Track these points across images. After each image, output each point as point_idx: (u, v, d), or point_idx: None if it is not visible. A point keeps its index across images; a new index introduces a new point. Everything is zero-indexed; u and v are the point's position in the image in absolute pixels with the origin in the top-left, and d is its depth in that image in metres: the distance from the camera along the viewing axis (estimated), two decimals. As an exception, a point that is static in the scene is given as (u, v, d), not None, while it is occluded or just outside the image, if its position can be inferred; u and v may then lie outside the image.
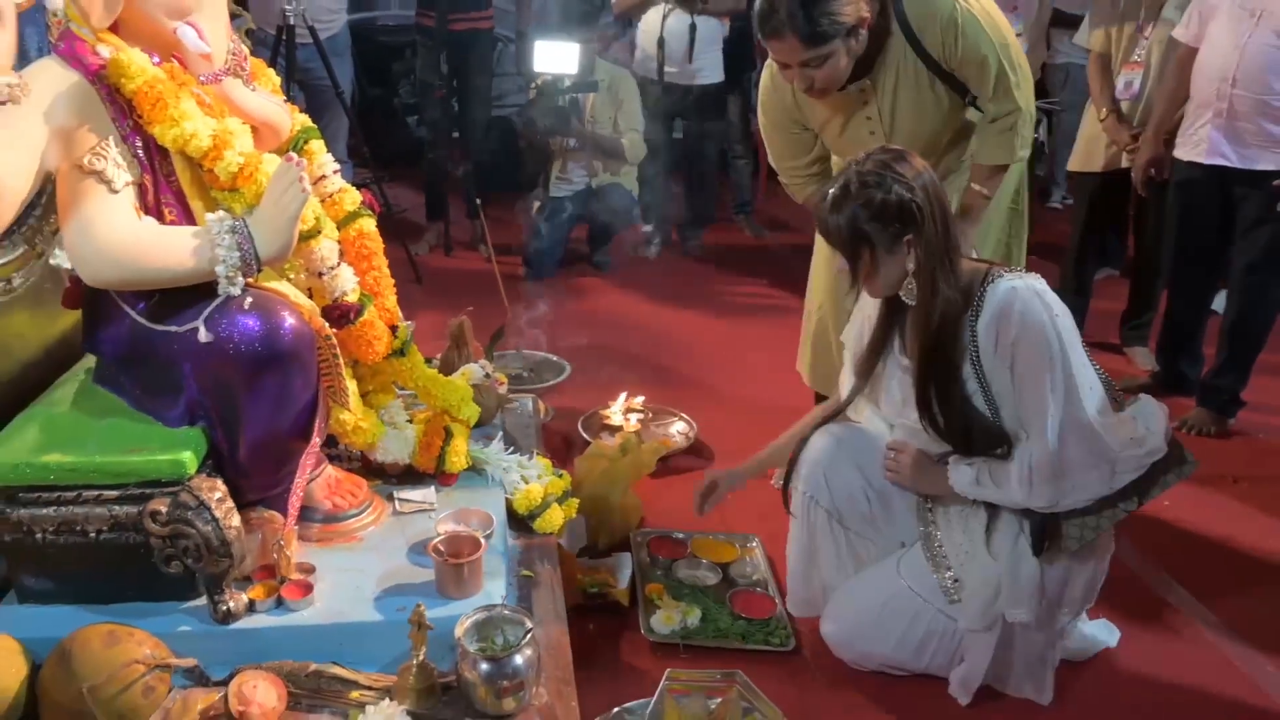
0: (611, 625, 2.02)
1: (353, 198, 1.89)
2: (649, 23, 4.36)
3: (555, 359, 3.19)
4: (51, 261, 1.77)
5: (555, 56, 3.87)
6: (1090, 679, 1.94)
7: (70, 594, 1.51)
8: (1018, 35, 3.31)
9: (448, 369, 2.23)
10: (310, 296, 1.69)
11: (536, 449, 2.14)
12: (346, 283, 1.72)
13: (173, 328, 1.52)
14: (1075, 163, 3.49)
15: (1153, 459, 1.68)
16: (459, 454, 1.91)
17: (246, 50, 1.76)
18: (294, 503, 1.63)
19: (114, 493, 1.46)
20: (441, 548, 1.59)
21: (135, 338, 1.56)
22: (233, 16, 2.28)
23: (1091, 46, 3.33)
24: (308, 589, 1.55)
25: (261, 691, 1.40)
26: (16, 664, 1.38)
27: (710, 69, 4.45)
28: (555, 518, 1.92)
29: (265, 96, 1.76)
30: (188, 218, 1.56)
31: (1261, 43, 2.67)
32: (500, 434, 2.09)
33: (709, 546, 2.28)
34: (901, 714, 1.84)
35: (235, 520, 1.47)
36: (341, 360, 1.69)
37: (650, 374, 3.27)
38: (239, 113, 1.65)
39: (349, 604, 1.56)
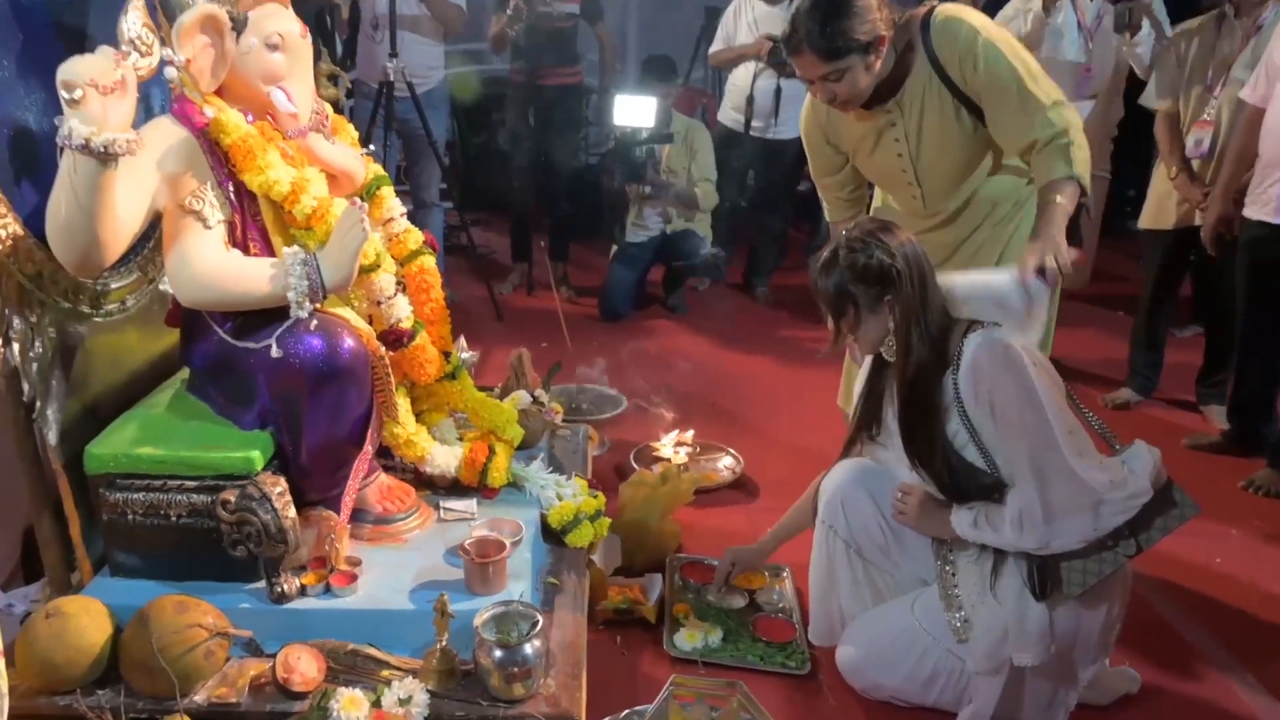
0: (637, 639, 2.15)
1: (415, 237, 2.12)
2: (739, 79, 4.57)
3: (614, 393, 3.37)
4: (160, 287, 2.06)
5: (634, 110, 4.12)
6: (1103, 721, 1.98)
7: (152, 570, 1.75)
8: (1091, 97, 3.41)
9: (506, 396, 2.43)
10: (370, 322, 1.92)
11: (579, 473, 2.31)
12: (401, 311, 1.94)
13: (251, 344, 1.76)
14: (1147, 220, 3.49)
15: (1138, 501, 1.73)
16: (500, 470, 2.10)
17: (329, 109, 2.02)
18: (346, 503, 1.85)
19: (193, 483, 1.71)
20: (470, 548, 1.77)
21: (221, 352, 1.81)
22: (333, 77, 2.59)
23: (1159, 107, 3.35)
24: (353, 579, 1.76)
25: (304, 663, 1.61)
26: (104, 625, 1.62)
27: (789, 126, 4.63)
28: (586, 533, 2.09)
29: (343, 149, 2.01)
30: (269, 251, 1.81)
31: None
32: (542, 455, 2.28)
33: (742, 575, 2.38)
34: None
35: (292, 512, 1.68)
36: (393, 379, 1.90)
37: (706, 411, 3.41)
38: (319, 163, 1.90)
39: (387, 594, 1.76)
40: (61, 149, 1.50)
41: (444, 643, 1.63)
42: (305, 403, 1.74)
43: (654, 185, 4.38)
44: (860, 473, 2.04)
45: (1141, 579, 2.46)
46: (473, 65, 6.33)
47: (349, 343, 1.75)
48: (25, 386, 1.67)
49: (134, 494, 1.71)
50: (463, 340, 2.47)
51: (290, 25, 1.81)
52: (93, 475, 1.73)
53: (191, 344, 1.87)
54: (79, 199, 1.53)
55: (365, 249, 1.79)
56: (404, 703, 1.55)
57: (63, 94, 1.46)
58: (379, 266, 1.91)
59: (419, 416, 2.10)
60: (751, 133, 4.52)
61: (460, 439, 2.15)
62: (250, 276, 1.73)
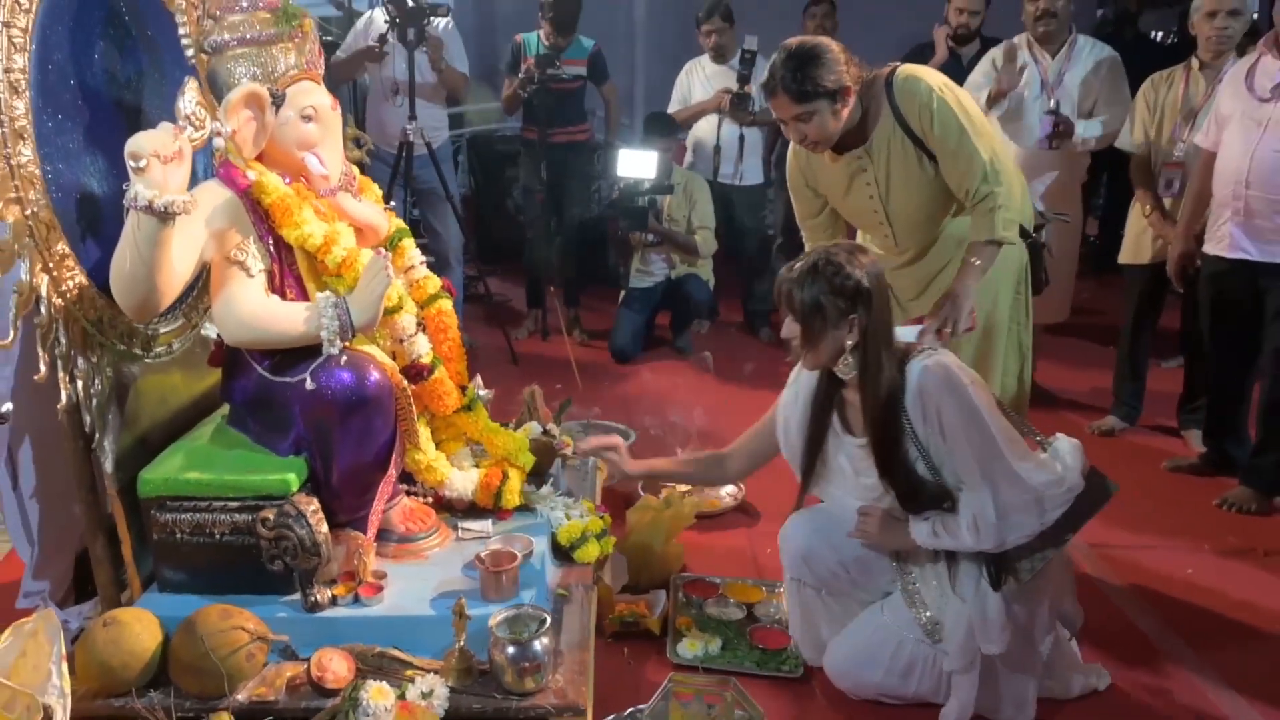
0: (642, 649, 2.30)
1: (434, 283, 2.33)
2: (701, 132, 4.89)
3: (623, 428, 3.54)
4: (202, 332, 2.28)
5: (635, 163, 4.36)
6: (1074, 714, 2.11)
7: (197, 585, 1.93)
8: (1056, 147, 3.60)
9: (519, 429, 2.62)
10: (393, 358, 2.12)
11: (586, 498, 2.49)
12: (422, 348, 2.15)
13: (288, 379, 1.96)
14: (1125, 255, 3.68)
15: (1074, 493, 1.92)
16: (513, 493, 2.28)
17: (356, 171, 2.25)
18: (373, 522, 2.04)
19: (235, 504, 1.90)
20: (485, 559, 1.95)
21: (259, 387, 2.01)
22: (357, 140, 2.84)
23: (1133, 149, 3.55)
24: (379, 590, 1.94)
25: (336, 663, 1.78)
26: (154, 633, 1.80)
27: (753, 171, 4.95)
28: (592, 550, 2.26)
29: (368, 206, 2.22)
30: (304, 296, 2.02)
31: (1269, 150, 2.88)
32: (552, 481, 2.46)
33: (739, 589, 2.55)
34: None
35: (324, 528, 1.87)
36: (414, 409, 2.10)
37: (711, 443, 3.54)
38: (348, 218, 2.12)
39: (410, 603, 1.93)
40: (127, 209, 1.72)
41: (462, 643, 1.80)
42: (336, 430, 1.94)
43: (656, 233, 4.61)
44: (813, 525, 2.18)
45: (1115, 589, 2.64)
46: (487, 124, 6.65)
47: (375, 376, 1.95)
48: (86, 419, 1.87)
49: (182, 514, 1.91)
50: (479, 379, 2.66)
51: (322, 99, 2.04)
52: (145, 498, 1.92)
53: (232, 381, 2.08)
54: (141, 252, 1.75)
55: (389, 293, 2.00)
56: (426, 696, 1.72)
57: (130, 163, 1.68)
58: (401, 308, 2.11)
59: (438, 445, 2.28)
60: (720, 179, 4.80)
61: (476, 465, 2.34)
62: (287, 318, 1.94)
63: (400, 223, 2.34)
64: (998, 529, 1.89)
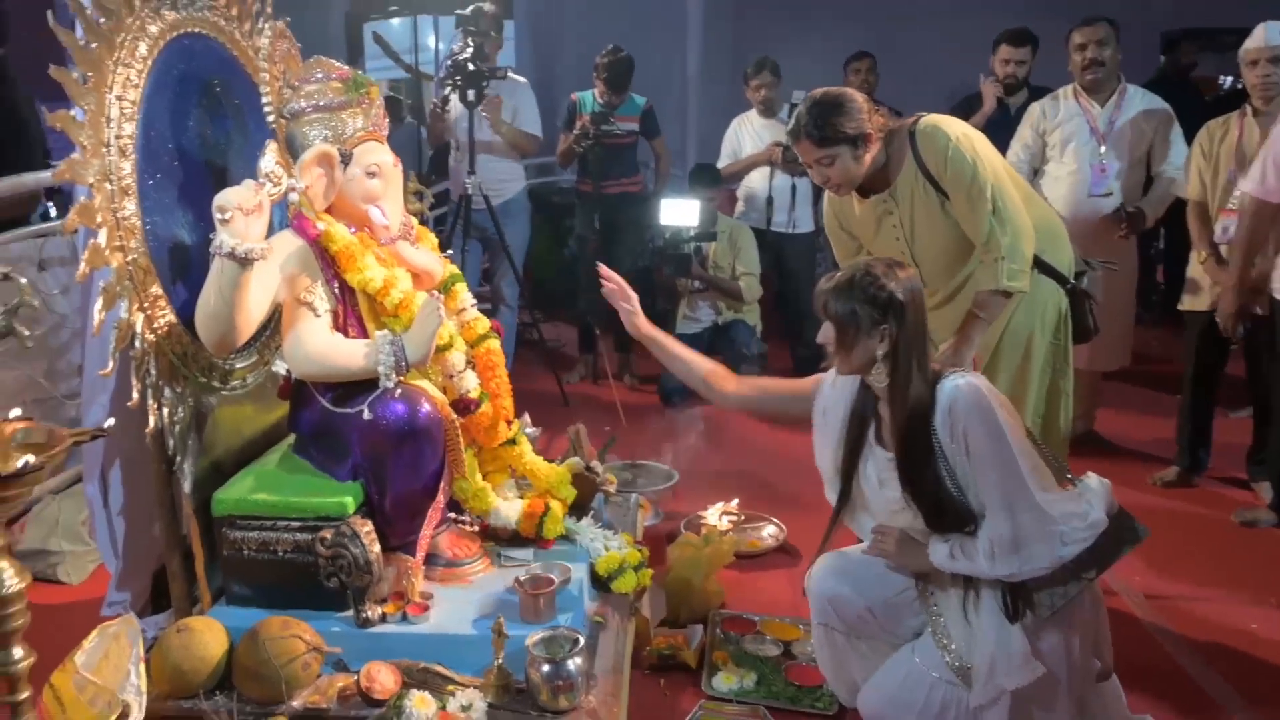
0: (678, 681, 2.38)
1: (483, 324, 2.50)
2: (753, 184, 5.08)
3: (667, 469, 3.66)
4: (273, 368, 2.47)
5: (679, 211, 4.55)
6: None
7: (261, 599, 2.09)
8: (1106, 195, 3.67)
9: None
10: (444, 392, 2.28)
11: (627, 532, 2.61)
12: (470, 383, 2.31)
13: (348, 410, 2.13)
14: (1185, 301, 3.63)
15: (1096, 530, 1.91)
16: (555, 523, 2.41)
17: (415, 221, 2.45)
18: (422, 546, 2.20)
19: (297, 523, 2.07)
20: (524, 582, 2.08)
21: (322, 418, 2.19)
22: (418, 194, 3.06)
23: (1189, 195, 3.54)
24: (426, 609, 2.08)
25: (383, 675, 1.92)
26: (222, 640, 1.97)
27: (805, 220, 5.11)
28: (629, 581, 2.37)
29: (425, 253, 2.41)
30: (364, 334, 2.20)
31: None
32: (593, 514, 2.59)
33: (777, 627, 2.62)
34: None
35: (377, 548, 2.03)
36: (462, 440, 2.26)
37: (754, 486, 3.68)
38: (405, 264, 2.30)
39: (454, 622, 2.07)
40: (213, 255, 1.93)
41: (500, 661, 1.93)
42: (389, 458, 2.10)
43: (701, 279, 4.77)
44: (839, 570, 2.21)
45: (1173, 639, 2.58)
46: (544, 178, 6.92)
47: (426, 408, 2.12)
48: (169, 444, 2.06)
49: (250, 532, 2.08)
50: (527, 416, 2.82)
51: (385, 157, 2.24)
52: (217, 517, 2.10)
53: (298, 412, 2.26)
54: (223, 294, 1.95)
55: (440, 332, 2.17)
56: (465, 709, 1.84)
57: (216, 215, 1.89)
58: (452, 346, 2.28)
59: (485, 477, 2.43)
60: (774, 228, 4.98)
61: (520, 497, 2.49)
62: (349, 354, 2.12)
63: (454, 268, 2.52)
64: (1015, 558, 1.91)
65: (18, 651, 1.51)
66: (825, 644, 2.22)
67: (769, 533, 3.26)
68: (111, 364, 1.92)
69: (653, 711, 2.25)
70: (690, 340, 4.88)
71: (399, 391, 2.10)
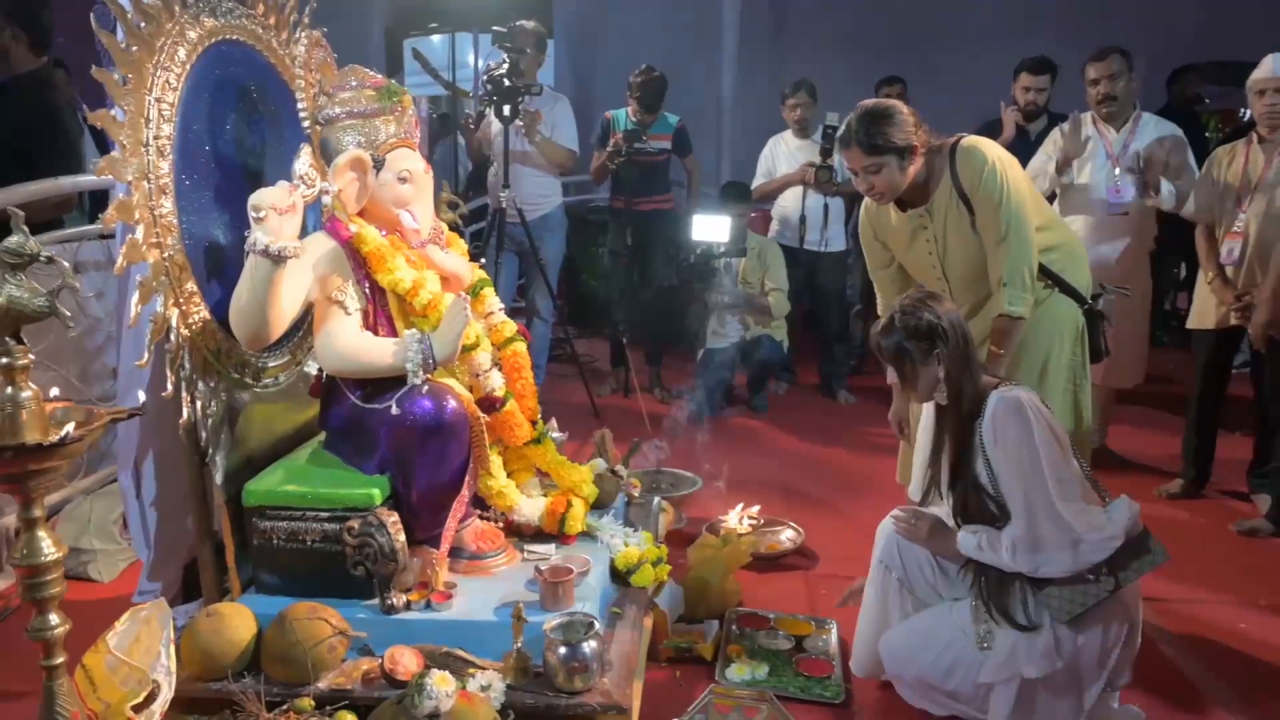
0: (693, 672, 2.43)
1: (510, 327, 2.56)
2: (787, 203, 5.15)
3: (691, 475, 3.70)
4: (305, 369, 2.55)
5: (710, 227, 4.60)
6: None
7: (289, 588, 2.15)
8: (1124, 214, 3.70)
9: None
10: (470, 390, 2.34)
11: (647, 531, 2.65)
12: (495, 382, 2.37)
13: (376, 406, 2.20)
14: (1193, 320, 3.72)
15: (1113, 544, 2.01)
16: (577, 520, 2.46)
17: (445, 227, 2.52)
18: (446, 539, 2.25)
19: (326, 514, 2.14)
20: (545, 571, 2.13)
21: (352, 414, 2.25)
22: (452, 204, 3.15)
23: (1198, 218, 3.63)
24: (449, 597, 2.13)
25: (406, 658, 1.97)
26: (251, 625, 2.03)
27: (837, 239, 5.18)
28: (647, 575, 2.41)
29: (454, 257, 2.48)
30: (393, 333, 2.27)
31: None
32: (614, 512, 2.63)
33: (791, 624, 2.66)
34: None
35: (402, 538, 2.08)
36: (487, 437, 2.32)
37: (774, 492, 3.72)
38: (434, 267, 2.37)
39: (476, 610, 2.12)
40: (247, 253, 2.01)
41: (519, 645, 1.97)
42: (416, 452, 2.16)
43: (731, 295, 4.81)
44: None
45: (1166, 637, 2.66)
46: (580, 195, 7.02)
47: (452, 404, 2.18)
48: (202, 436, 2.14)
49: (279, 522, 2.15)
50: (554, 421, 2.88)
51: (416, 164, 2.32)
52: (248, 507, 2.17)
53: (329, 409, 2.33)
54: (256, 290, 2.03)
55: (467, 332, 2.23)
56: (484, 689, 1.89)
57: (251, 214, 1.97)
58: (478, 346, 2.35)
59: (509, 475, 2.48)
60: (806, 246, 5.04)
61: (544, 495, 2.53)
62: (378, 351, 2.19)
63: (483, 273, 2.59)
64: (1033, 557, 2.03)
65: (54, 618, 1.58)
66: (878, 588, 2.35)
67: (787, 536, 3.28)
68: (147, 355, 2.00)
69: (667, 697, 2.29)
70: (719, 355, 4.96)
71: (426, 388, 2.16)
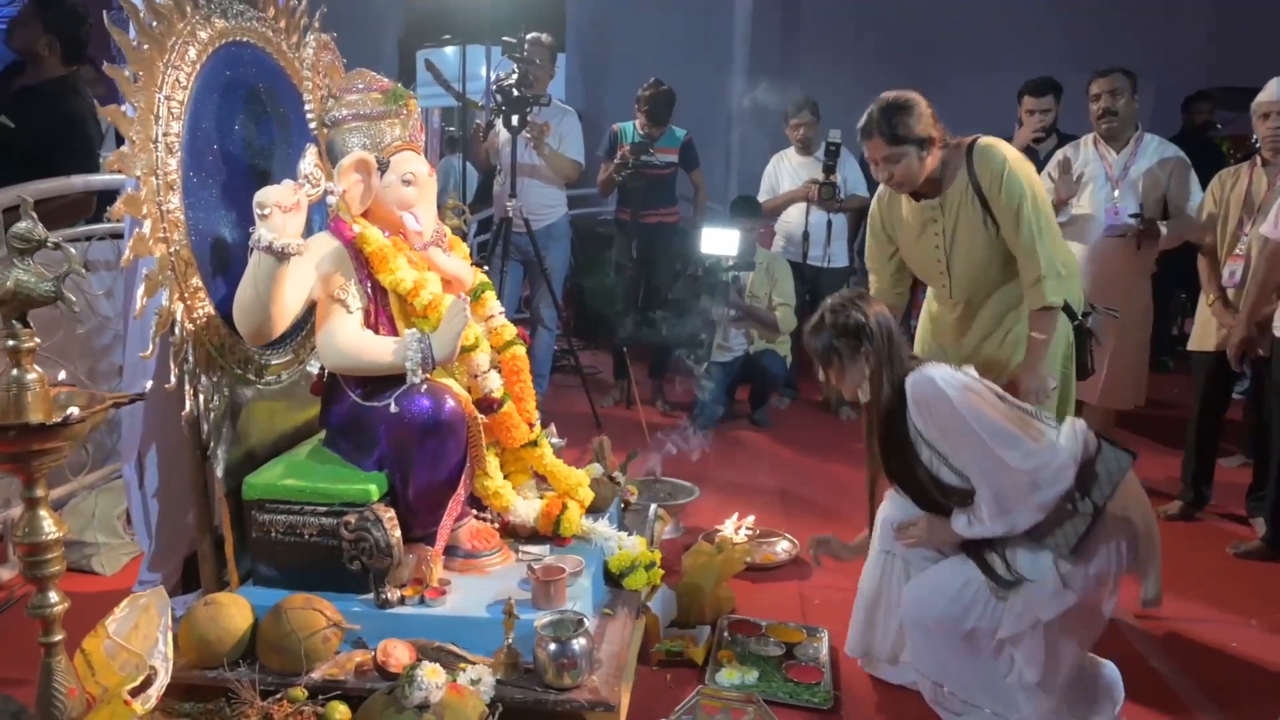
0: (683, 676, 2.43)
1: (510, 331, 2.60)
2: (790, 219, 5.21)
3: (689, 485, 3.71)
4: (307, 368, 2.59)
5: (718, 241, 4.64)
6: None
7: (286, 580, 2.18)
8: (1121, 235, 3.73)
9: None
10: (469, 391, 2.38)
11: (641, 536, 2.67)
12: (494, 383, 2.40)
13: (376, 404, 2.23)
14: (1194, 342, 3.75)
15: (1067, 472, 2.06)
16: (572, 522, 2.48)
17: (448, 230, 2.56)
18: (441, 536, 2.27)
19: (324, 508, 2.17)
20: (537, 570, 2.15)
21: (352, 411, 2.29)
22: (459, 211, 3.19)
23: (1201, 241, 3.67)
24: (443, 593, 2.16)
25: (399, 651, 2.00)
26: (246, 616, 2.06)
27: (840, 254, 5.23)
28: (640, 578, 2.44)
29: (456, 260, 2.52)
30: (393, 332, 2.31)
31: None
32: (609, 516, 2.65)
33: (782, 631, 2.67)
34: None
35: (398, 533, 2.11)
36: (484, 438, 2.35)
37: (774, 502, 3.74)
38: (436, 269, 2.41)
39: (469, 606, 2.15)
40: (251, 249, 2.05)
41: (510, 641, 1.99)
42: (414, 449, 2.19)
43: (738, 309, 4.84)
44: (907, 504, 2.36)
45: (1158, 655, 2.67)
46: (588, 208, 7.07)
47: (450, 403, 2.21)
48: (204, 429, 2.17)
49: (278, 516, 2.18)
50: (553, 427, 2.91)
51: (420, 166, 2.36)
52: (248, 500, 2.21)
53: (329, 406, 2.37)
54: (259, 286, 2.07)
55: (466, 333, 2.27)
56: (474, 683, 1.91)
57: (256, 211, 2.02)
58: (477, 348, 2.38)
59: (506, 477, 2.51)
60: (809, 262, 5.07)
61: (540, 497, 2.56)
62: (378, 350, 2.23)
63: (484, 277, 2.62)
64: (1006, 517, 2.08)
65: (53, 596, 1.62)
66: (879, 574, 2.40)
67: (783, 547, 3.30)
68: (152, 347, 2.04)
69: (656, 698, 2.30)
70: (723, 369, 4.99)
71: (425, 387, 2.20)
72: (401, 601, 2.14)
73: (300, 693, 1.94)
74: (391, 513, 2.14)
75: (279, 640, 1.99)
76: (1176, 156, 3.82)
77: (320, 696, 1.94)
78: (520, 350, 2.60)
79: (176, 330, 2.10)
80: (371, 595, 2.15)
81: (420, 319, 2.30)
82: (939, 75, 7.07)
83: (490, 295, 2.61)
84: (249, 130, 2.42)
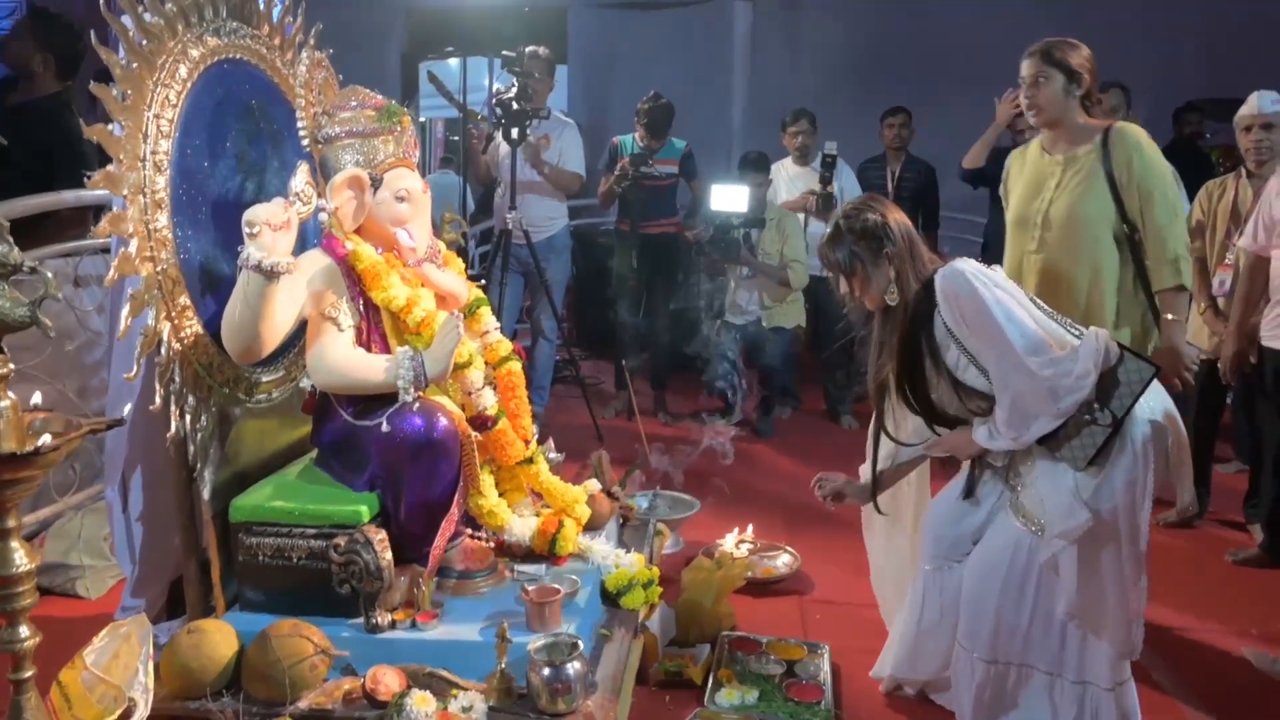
0: (682, 697, 2.41)
1: (505, 346, 2.56)
2: None
3: (689, 498, 3.67)
4: (300, 384, 2.55)
5: (728, 197, 4.62)
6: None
7: (274, 605, 2.13)
8: None
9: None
10: (462, 409, 2.34)
11: (640, 553, 2.62)
12: (488, 400, 2.36)
13: (367, 422, 2.19)
14: None
15: (1086, 380, 2.02)
16: (568, 540, 2.43)
17: (442, 246, 2.52)
18: (434, 557, 2.23)
19: (313, 531, 2.12)
20: (531, 591, 2.11)
21: (343, 430, 2.25)
22: (455, 224, 3.15)
23: (1189, 250, 3.66)
24: (435, 617, 2.11)
25: (389, 677, 1.95)
26: (232, 642, 2.01)
27: None
28: (638, 597, 2.38)
29: (451, 276, 2.48)
30: (386, 350, 2.27)
31: None
32: (606, 533, 2.61)
33: (782, 648, 2.63)
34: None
35: (389, 556, 2.07)
36: (478, 456, 2.30)
37: (773, 516, 3.71)
38: (431, 286, 2.37)
39: (462, 630, 2.10)
40: (240, 268, 2.02)
41: (503, 666, 1.95)
42: (406, 469, 2.15)
43: (749, 265, 4.81)
44: (950, 508, 2.37)
45: (1157, 660, 2.64)
46: (590, 218, 7.05)
47: (443, 422, 2.17)
48: (190, 450, 2.13)
49: (265, 538, 2.13)
50: (550, 442, 2.87)
51: (414, 183, 2.33)
52: (235, 523, 2.16)
53: (321, 425, 2.33)
54: (249, 305, 2.03)
55: (460, 350, 2.23)
56: (466, 710, 1.86)
57: (245, 229, 1.98)
58: (471, 364, 2.34)
59: (502, 494, 2.46)
60: (809, 272, 5.03)
61: (536, 515, 2.52)
62: (370, 368, 2.19)
63: (479, 292, 2.59)
64: (1025, 426, 2.06)
65: (24, 630, 1.57)
66: (935, 591, 2.34)
67: (784, 561, 3.26)
68: (136, 368, 2.00)
69: (653, 720, 2.26)
70: (735, 332, 4.92)
71: (417, 406, 2.16)
72: (392, 625, 2.10)
73: (287, 722, 1.90)
74: (382, 534, 2.10)
75: (264, 668, 1.94)
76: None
77: (307, 725, 1.89)
78: (516, 366, 2.56)
79: (163, 350, 2.06)
80: (361, 619, 2.11)
81: (413, 336, 2.26)
82: (937, 87, 7.11)
83: (485, 311, 2.58)
84: (241, 147, 2.38)
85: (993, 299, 2.08)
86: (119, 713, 1.66)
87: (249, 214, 2.01)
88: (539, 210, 4.91)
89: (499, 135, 4.69)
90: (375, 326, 2.28)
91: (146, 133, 2.05)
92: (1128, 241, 2.71)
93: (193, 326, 2.16)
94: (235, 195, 2.35)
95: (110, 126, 1.98)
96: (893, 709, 2.39)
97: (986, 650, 2.19)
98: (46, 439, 1.40)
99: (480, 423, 2.35)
